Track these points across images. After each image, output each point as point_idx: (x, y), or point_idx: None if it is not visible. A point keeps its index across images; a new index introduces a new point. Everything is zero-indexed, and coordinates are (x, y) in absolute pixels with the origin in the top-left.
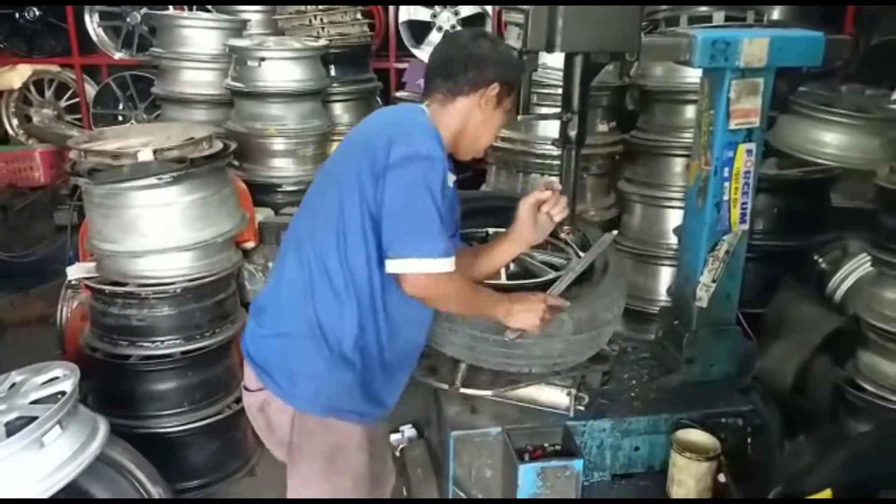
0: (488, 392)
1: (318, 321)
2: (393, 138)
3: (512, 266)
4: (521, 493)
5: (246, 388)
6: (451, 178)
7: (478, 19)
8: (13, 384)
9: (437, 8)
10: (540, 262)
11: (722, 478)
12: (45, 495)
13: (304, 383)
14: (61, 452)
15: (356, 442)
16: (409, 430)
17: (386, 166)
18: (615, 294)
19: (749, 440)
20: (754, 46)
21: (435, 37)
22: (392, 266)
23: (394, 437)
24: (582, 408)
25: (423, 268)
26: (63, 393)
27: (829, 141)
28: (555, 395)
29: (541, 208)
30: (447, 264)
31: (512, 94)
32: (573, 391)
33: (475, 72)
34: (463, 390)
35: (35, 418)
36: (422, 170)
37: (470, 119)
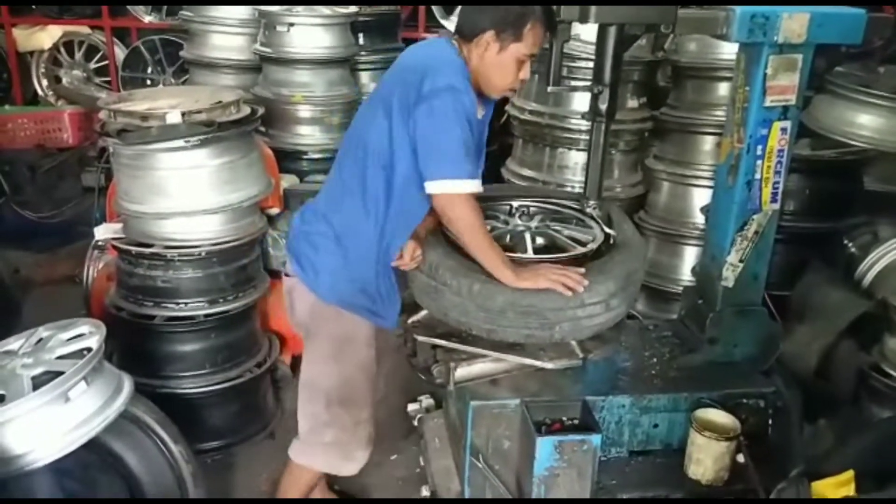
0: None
1: (343, 227)
2: (425, 74)
3: (539, 240)
4: (538, 466)
5: (285, 274)
6: (480, 111)
7: None
8: (40, 339)
9: None
10: (566, 237)
11: (741, 458)
12: (69, 449)
13: (324, 276)
14: (86, 407)
15: (364, 336)
16: (426, 400)
17: (417, 99)
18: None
19: (770, 422)
20: (794, 22)
21: None
22: (428, 188)
23: (411, 407)
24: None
25: (447, 188)
26: (89, 349)
27: (865, 123)
28: None
29: None
30: (470, 185)
31: (521, 40)
32: None
33: (473, 19)
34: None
35: (61, 373)
36: (447, 101)
37: (479, 61)
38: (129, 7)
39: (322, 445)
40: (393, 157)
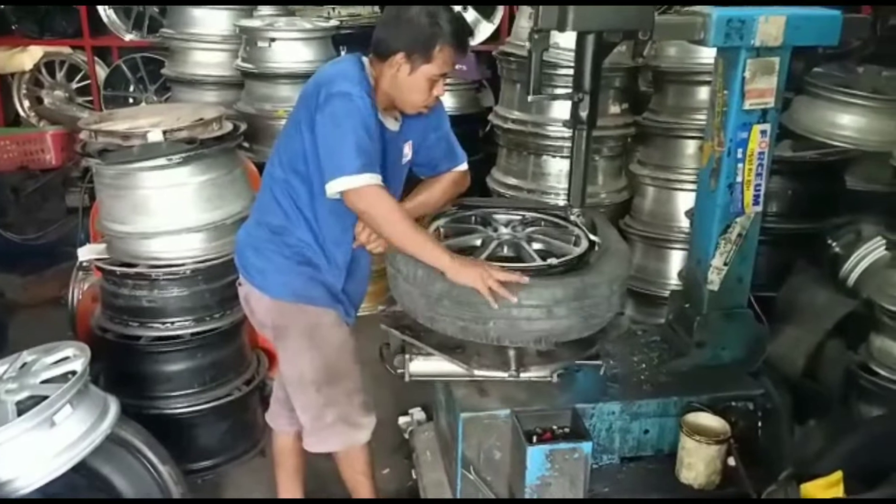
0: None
1: (276, 231)
2: (321, 87)
3: (506, 249)
4: (530, 475)
5: (238, 284)
6: (394, 124)
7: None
8: (24, 364)
9: None
10: (535, 250)
11: (732, 461)
12: (56, 474)
13: (272, 276)
14: (72, 432)
15: (330, 320)
16: (418, 413)
17: (315, 110)
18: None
19: (759, 424)
20: (770, 25)
21: None
22: (327, 190)
23: (402, 420)
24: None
25: (344, 184)
26: (74, 373)
27: (846, 123)
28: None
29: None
30: (363, 178)
31: (431, 61)
32: None
33: (386, 40)
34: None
35: (46, 398)
36: (337, 105)
37: (390, 81)
38: (109, 26)
39: (328, 427)
40: (309, 169)
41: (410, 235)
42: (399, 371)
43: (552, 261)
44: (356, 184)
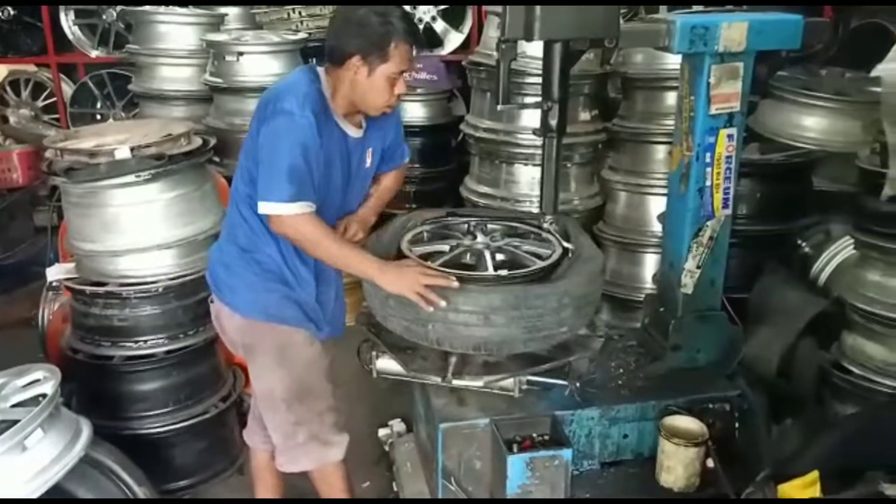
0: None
1: (247, 245)
2: (269, 102)
3: (500, 256)
4: (511, 484)
5: (210, 301)
6: (356, 132)
7: (458, 10)
8: None
9: None
10: (525, 251)
11: (710, 463)
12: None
13: (243, 293)
14: (44, 455)
15: (301, 339)
16: (398, 425)
17: (262, 122)
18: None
19: (736, 425)
20: (733, 31)
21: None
22: (259, 209)
23: (382, 432)
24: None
25: (272, 210)
26: (44, 396)
27: (810, 125)
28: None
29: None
30: (291, 208)
31: (388, 60)
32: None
33: (338, 46)
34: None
35: (16, 422)
36: (280, 124)
37: (350, 86)
38: (75, 42)
39: (300, 446)
40: None
41: (338, 253)
42: (369, 367)
43: (502, 272)
44: (282, 212)
